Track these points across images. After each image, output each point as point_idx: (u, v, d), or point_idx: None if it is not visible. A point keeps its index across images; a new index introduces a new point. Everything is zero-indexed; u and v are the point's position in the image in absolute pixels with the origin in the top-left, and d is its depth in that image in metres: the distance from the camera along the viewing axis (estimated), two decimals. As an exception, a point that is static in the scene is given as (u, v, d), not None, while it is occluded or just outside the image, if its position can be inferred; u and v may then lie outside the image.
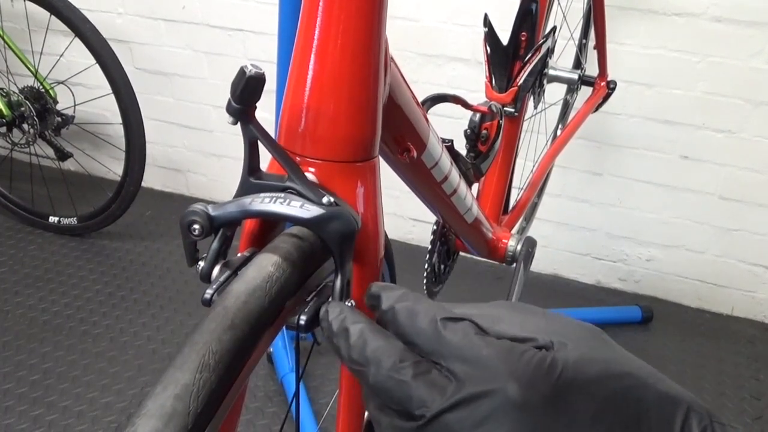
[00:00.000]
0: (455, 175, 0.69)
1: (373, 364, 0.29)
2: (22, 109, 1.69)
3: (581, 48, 1.35)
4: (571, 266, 1.75)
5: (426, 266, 0.90)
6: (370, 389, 0.30)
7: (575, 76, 1.22)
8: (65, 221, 1.77)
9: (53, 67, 1.78)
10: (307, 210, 0.36)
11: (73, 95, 1.77)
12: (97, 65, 1.57)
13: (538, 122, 1.23)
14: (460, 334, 0.28)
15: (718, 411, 0.28)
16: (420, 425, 0.27)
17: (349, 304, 0.37)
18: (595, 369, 0.27)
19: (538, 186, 1.20)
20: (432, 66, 1.60)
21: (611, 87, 1.35)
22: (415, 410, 0.27)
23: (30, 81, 1.71)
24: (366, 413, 0.58)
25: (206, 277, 0.38)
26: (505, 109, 0.89)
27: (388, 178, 0.57)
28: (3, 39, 1.68)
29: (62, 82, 1.77)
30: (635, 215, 1.62)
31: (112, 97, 1.59)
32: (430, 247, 0.90)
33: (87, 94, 1.81)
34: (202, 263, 0.38)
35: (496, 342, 0.28)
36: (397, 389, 0.28)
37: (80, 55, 1.63)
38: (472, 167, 0.80)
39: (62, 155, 1.81)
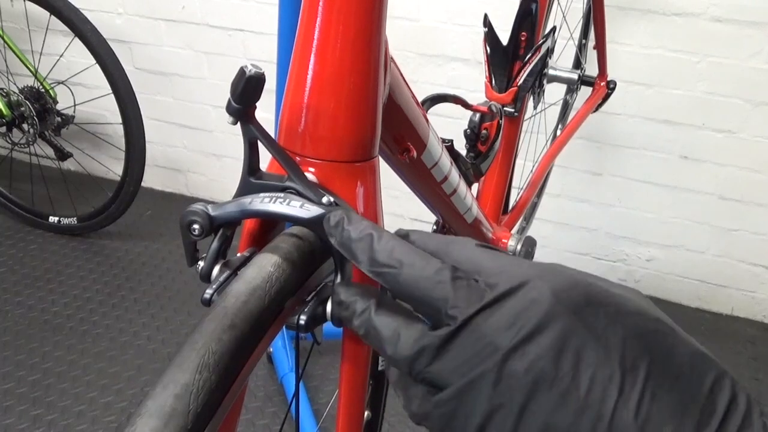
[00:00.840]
0: (455, 175, 0.69)
1: (406, 265, 0.29)
2: (22, 109, 1.69)
3: (581, 48, 1.35)
4: (571, 266, 1.74)
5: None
6: (396, 289, 0.29)
7: (575, 76, 1.22)
8: (65, 221, 1.77)
9: (53, 67, 1.78)
10: (307, 210, 0.36)
11: (73, 95, 1.77)
12: (97, 65, 1.57)
13: (538, 122, 1.23)
14: (500, 255, 0.29)
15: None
16: (451, 331, 0.26)
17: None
18: (633, 305, 0.27)
19: (538, 186, 1.20)
20: (432, 66, 1.60)
21: (611, 87, 1.35)
22: (449, 310, 0.27)
23: (30, 81, 1.71)
24: (366, 413, 0.58)
25: (206, 277, 0.38)
26: (505, 109, 0.89)
27: (388, 178, 0.57)
28: (3, 39, 1.68)
29: (62, 82, 1.77)
30: (635, 215, 1.62)
31: (112, 97, 1.59)
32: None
33: (87, 94, 1.81)
34: (201, 263, 0.38)
35: (539, 263, 0.28)
36: (432, 288, 0.28)
37: (80, 55, 1.63)
38: (472, 167, 0.80)
39: (62, 155, 1.81)
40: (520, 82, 0.88)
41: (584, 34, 1.34)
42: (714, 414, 0.24)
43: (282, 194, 0.37)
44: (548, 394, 0.25)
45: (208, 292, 0.36)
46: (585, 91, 1.35)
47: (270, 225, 0.42)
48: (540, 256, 1.41)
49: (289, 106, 0.40)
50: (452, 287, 0.27)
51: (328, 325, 0.38)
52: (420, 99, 0.58)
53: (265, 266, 0.34)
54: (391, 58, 0.46)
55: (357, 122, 0.40)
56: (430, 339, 0.27)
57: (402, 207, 1.78)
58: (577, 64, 1.35)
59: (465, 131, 0.83)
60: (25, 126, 1.71)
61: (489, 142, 0.83)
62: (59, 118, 1.73)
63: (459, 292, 0.27)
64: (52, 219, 1.77)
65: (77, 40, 1.57)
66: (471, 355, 0.26)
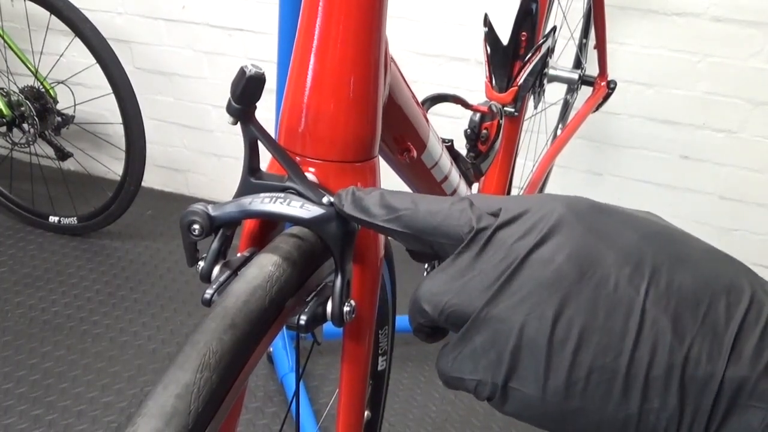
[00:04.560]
0: (455, 175, 0.69)
1: (422, 203, 0.31)
2: (22, 108, 1.69)
3: (581, 48, 1.35)
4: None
5: (426, 266, 0.90)
6: (414, 226, 0.30)
7: (575, 76, 1.22)
8: (65, 221, 1.77)
9: (53, 67, 1.78)
10: (307, 210, 0.36)
11: (73, 95, 1.77)
12: (97, 65, 1.57)
13: (538, 122, 1.23)
14: (509, 196, 0.31)
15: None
16: (482, 244, 0.28)
17: None
18: (642, 214, 0.28)
19: (538, 186, 1.20)
20: (432, 66, 1.60)
21: (611, 87, 1.35)
22: (477, 225, 0.28)
23: (30, 81, 1.71)
24: (366, 413, 0.58)
25: (206, 277, 0.38)
26: (505, 108, 0.89)
27: (388, 178, 0.57)
28: (3, 39, 1.68)
29: (62, 82, 1.77)
30: (635, 215, 1.62)
31: (112, 97, 1.59)
32: (430, 247, 0.90)
33: (87, 93, 1.81)
34: (202, 263, 0.38)
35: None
36: (451, 216, 0.29)
37: (80, 54, 1.63)
38: (472, 167, 0.80)
39: (62, 155, 1.81)
40: (521, 81, 0.88)
41: (584, 33, 1.34)
42: (739, 304, 0.25)
43: (282, 194, 0.37)
44: (577, 295, 0.25)
45: (209, 292, 0.36)
46: (585, 91, 1.35)
47: (270, 225, 0.42)
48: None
49: (289, 106, 0.40)
50: (473, 211, 0.29)
51: (328, 325, 0.38)
52: (420, 99, 0.58)
53: (265, 266, 0.34)
54: (391, 58, 0.46)
55: (357, 122, 0.40)
56: (462, 258, 0.28)
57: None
58: (578, 64, 1.36)
59: (465, 131, 0.83)
60: (25, 126, 1.71)
61: (489, 142, 0.83)
62: (59, 118, 1.73)
63: (479, 214, 0.29)
64: (52, 219, 1.77)
65: (77, 40, 1.57)
66: (495, 266, 0.27)
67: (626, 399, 0.25)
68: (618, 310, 0.25)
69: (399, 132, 0.54)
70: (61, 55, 1.80)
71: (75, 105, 1.78)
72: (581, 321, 0.25)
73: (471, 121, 0.83)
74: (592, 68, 1.35)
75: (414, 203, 0.31)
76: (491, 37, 0.89)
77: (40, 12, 1.58)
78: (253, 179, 0.39)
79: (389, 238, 0.42)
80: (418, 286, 0.30)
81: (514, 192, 1.11)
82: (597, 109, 1.36)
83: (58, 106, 1.74)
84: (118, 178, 1.69)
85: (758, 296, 0.25)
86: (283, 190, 0.38)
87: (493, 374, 0.27)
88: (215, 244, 0.38)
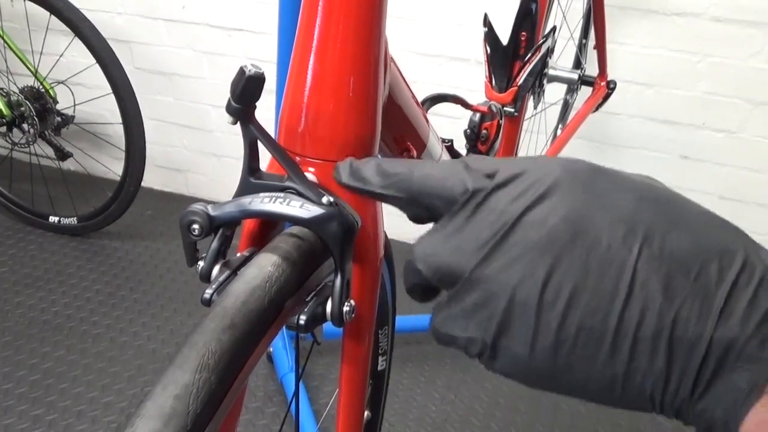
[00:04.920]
0: (455, 175, 0.69)
1: (418, 167, 0.30)
2: (22, 108, 1.69)
3: (581, 48, 1.35)
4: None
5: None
6: (409, 189, 0.30)
7: (575, 76, 1.22)
8: (65, 221, 1.77)
9: (53, 67, 1.78)
10: (307, 210, 0.36)
11: (73, 95, 1.77)
12: (97, 65, 1.57)
13: (538, 122, 1.23)
14: (506, 158, 0.31)
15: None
16: (474, 206, 0.28)
17: None
18: (638, 177, 0.28)
19: (538, 186, 1.20)
20: (432, 66, 1.60)
21: (611, 87, 1.35)
22: (471, 186, 0.28)
23: (30, 81, 1.71)
24: (366, 413, 0.58)
25: (206, 277, 0.38)
26: (504, 109, 0.89)
27: (388, 178, 0.57)
28: (3, 39, 1.68)
29: (62, 82, 1.77)
30: (635, 215, 1.62)
31: (112, 97, 1.59)
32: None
33: (87, 94, 1.81)
34: (201, 263, 0.38)
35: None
36: (447, 178, 0.29)
37: (80, 55, 1.63)
38: (472, 167, 0.80)
39: (62, 155, 1.81)
40: (520, 82, 0.88)
41: (584, 34, 1.34)
42: (731, 267, 0.25)
43: (282, 194, 0.37)
44: (569, 255, 0.25)
45: (208, 292, 0.36)
46: (585, 91, 1.35)
47: (270, 225, 0.42)
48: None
49: (289, 106, 0.40)
50: (468, 174, 0.29)
51: (328, 325, 0.38)
52: (420, 99, 0.58)
53: (264, 266, 0.34)
54: (391, 58, 0.46)
55: (357, 122, 0.40)
56: (456, 219, 0.28)
57: (402, 207, 1.78)
58: (577, 64, 1.35)
59: (465, 131, 0.83)
60: (25, 126, 1.71)
61: (489, 142, 0.83)
62: (59, 118, 1.73)
63: (474, 176, 0.28)
64: (52, 219, 1.77)
65: (77, 40, 1.57)
66: (488, 226, 0.27)
67: (613, 358, 0.25)
68: (609, 271, 0.25)
69: (399, 132, 0.54)
70: (60, 55, 1.80)
71: (75, 105, 1.78)
72: (572, 281, 0.25)
73: (471, 121, 0.83)
74: (591, 68, 1.35)
75: (409, 168, 0.31)
76: (491, 37, 0.89)
77: (40, 12, 1.58)
78: (252, 179, 0.39)
79: (388, 237, 0.42)
80: (413, 247, 0.30)
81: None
82: (597, 109, 1.36)
83: (58, 106, 1.74)
84: (118, 178, 1.69)
85: (751, 260, 0.25)
86: (283, 189, 0.38)
87: (483, 332, 0.27)
88: (215, 244, 0.38)
